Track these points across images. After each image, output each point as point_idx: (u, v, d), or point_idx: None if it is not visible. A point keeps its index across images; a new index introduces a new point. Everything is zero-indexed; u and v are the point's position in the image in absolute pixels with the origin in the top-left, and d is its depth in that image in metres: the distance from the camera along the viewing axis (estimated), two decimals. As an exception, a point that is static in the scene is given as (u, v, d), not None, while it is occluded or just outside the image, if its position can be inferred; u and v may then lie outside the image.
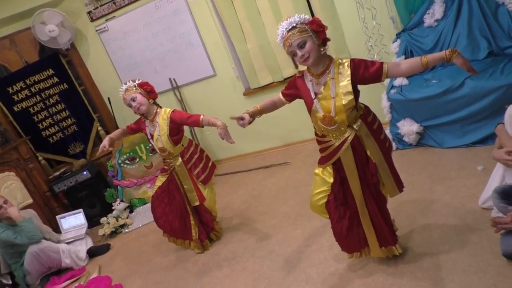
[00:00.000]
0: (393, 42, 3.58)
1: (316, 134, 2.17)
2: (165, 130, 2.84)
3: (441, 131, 3.20)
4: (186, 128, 4.70)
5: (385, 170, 2.10)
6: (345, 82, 1.92)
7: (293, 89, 2.11)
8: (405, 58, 3.47)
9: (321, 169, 2.17)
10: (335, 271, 2.39)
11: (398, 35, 3.58)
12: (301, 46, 1.87)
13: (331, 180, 2.13)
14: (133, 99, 2.78)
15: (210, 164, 3.13)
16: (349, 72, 1.92)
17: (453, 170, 2.88)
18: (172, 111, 2.87)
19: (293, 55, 1.92)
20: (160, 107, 2.93)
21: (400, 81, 3.32)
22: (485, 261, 2.02)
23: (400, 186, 2.18)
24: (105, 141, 2.95)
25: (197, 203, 3.04)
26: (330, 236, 2.69)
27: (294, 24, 1.89)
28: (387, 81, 3.52)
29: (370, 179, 2.09)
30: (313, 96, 1.99)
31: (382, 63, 1.92)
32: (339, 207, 2.17)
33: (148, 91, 2.87)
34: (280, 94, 2.17)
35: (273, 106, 2.25)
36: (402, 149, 3.40)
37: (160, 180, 3.10)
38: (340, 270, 2.37)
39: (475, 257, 2.07)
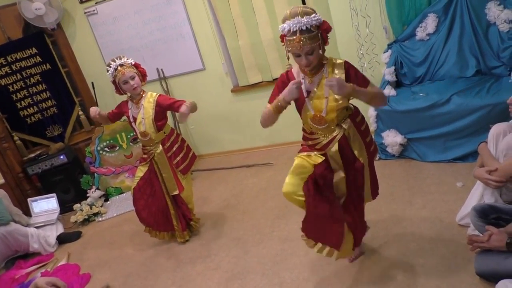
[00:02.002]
0: (384, 52, 3.59)
1: (303, 130, 2.15)
2: (150, 114, 2.82)
3: (424, 144, 3.22)
4: (169, 121, 4.64)
5: (367, 173, 2.10)
6: None
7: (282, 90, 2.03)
8: (395, 69, 3.49)
9: (304, 154, 2.10)
10: (309, 276, 2.37)
11: (389, 46, 3.60)
12: (310, 53, 1.83)
13: (318, 160, 2.03)
14: (132, 78, 2.75)
15: (190, 154, 3.10)
16: (343, 72, 1.91)
17: (433, 185, 2.91)
18: (159, 95, 2.86)
19: (295, 55, 1.86)
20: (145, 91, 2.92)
21: (388, 92, 3.34)
22: (458, 278, 2.03)
23: (375, 193, 2.21)
24: (97, 110, 2.91)
25: (176, 192, 2.99)
26: (307, 241, 2.69)
27: (309, 26, 1.78)
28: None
29: (354, 180, 2.08)
30: (305, 94, 1.96)
31: None
32: (322, 188, 2.03)
33: (143, 74, 2.88)
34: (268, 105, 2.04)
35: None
36: (385, 159, 3.42)
37: (141, 171, 3.02)
38: (315, 277, 2.35)
39: (449, 273, 2.08)
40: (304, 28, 1.77)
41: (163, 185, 2.99)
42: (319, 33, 1.81)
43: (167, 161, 2.94)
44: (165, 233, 3.14)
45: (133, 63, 2.82)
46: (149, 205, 3.05)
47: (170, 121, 4.34)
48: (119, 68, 2.75)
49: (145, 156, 3.02)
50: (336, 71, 1.92)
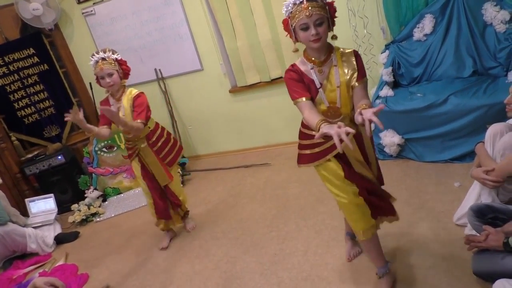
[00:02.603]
0: (381, 53, 3.61)
1: (307, 136, 1.99)
2: (129, 111, 2.76)
3: (421, 145, 3.23)
4: (167, 121, 4.65)
5: (374, 163, 2.06)
6: (351, 71, 1.80)
7: (301, 82, 1.84)
8: (392, 70, 3.51)
9: (322, 165, 1.97)
10: (307, 276, 2.37)
11: (387, 46, 3.61)
12: (318, 24, 1.70)
13: (341, 172, 1.92)
14: (110, 75, 2.68)
15: (177, 147, 3.09)
16: (354, 60, 1.81)
17: (431, 185, 2.92)
18: (137, 95, 2.78)
19: (302, 28, 1.72)
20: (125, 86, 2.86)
21: (385, 92, 3.35)
22: (455, 278, 2.04)
23: (380, 179, 2.15)
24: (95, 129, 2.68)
25: (168, 182, 3.01)
26: (304, 241, 2.71)
27: None
28: (373, 91, 3.55)
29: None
30: (318, 85, 1.83)
31: None
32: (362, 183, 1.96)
33: (126, 73, 2.80)
34: (304, 99, 1.79)
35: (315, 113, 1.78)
36: (382, 159, 3.43)
37: (137, 169, 2.99)
38: (313, 276, 2.36)
39: (446, 272, 2.10)
40: None
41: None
42: (327, 6, 1.73)
43: (154, 155, 2.93)
44: (171, 221, 3.17)
45: (118, 58, 2.74)
46: (160, 196, 3.05)
47: (168, 124, 4.35)
48: (99, 61, 2.67)
49: (130, 152, 2.99)
50: (346, 60, 1.81)
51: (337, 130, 1.45)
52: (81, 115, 2.48)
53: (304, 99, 1.79)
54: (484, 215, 2.04)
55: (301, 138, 2.04)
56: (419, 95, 3.18)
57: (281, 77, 4.15)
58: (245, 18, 4.03)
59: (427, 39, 3.41)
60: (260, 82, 4.29)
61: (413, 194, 2.86)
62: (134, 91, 2.80)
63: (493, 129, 2.23)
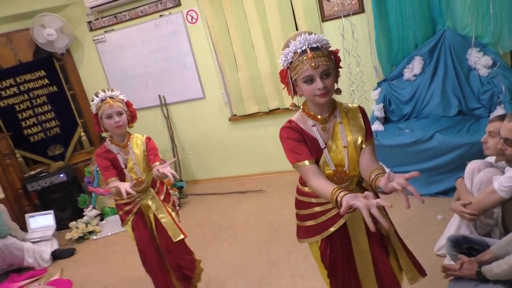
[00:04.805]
0: (374, 90, 3.82)
1: (308, 194, 1.67)
2: (140, 158, 2.36)
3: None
4: (168, 146, 4.82)
5: (398, 246, 1.72)
6: (358, 130, 1.57)
7: (302, 142, 1.56)
8: (383, 106, 3.71)
9: (315, 243, 1.72)
10: (293, 298, 2.48)
11: (379, 84, 3.83)
12: (325, 76, 1.46)
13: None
14: (120, 113, 2.26)
15: (173, 199, 2.64)
16: (360, 117, 1.59)
17: (415, 216, 3.06)
18: (147, 138, 2.43)
19: (306, 81, 1.47)
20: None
21: (376, 127, 3.54)
22: (432, 303, 2.15)
23: (421, 268, 1.78)
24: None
25: (181, 237, 2.45)
26: (293, 264, 2.82)
27: (320, 45, 1.47)
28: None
29: (378, 253, 1.71)
30: (322, 145, 1.55)
31: None
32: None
33: (133, 116, 2.38)
34: (307, 163, 1.52)
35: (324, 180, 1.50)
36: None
37: (132, 236, 2.47)
38: (298, 298, 2.47)
39: (424, 298, 2.20)
40: (314, 46, 1.46)
41: (156, 238, 2.49)
42: (332, 56, 1.51)
43: (163, 204, 2.46)
44: None
45: (125, 100, 2.35)
46: (163, 273, 2.52)
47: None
48: (107, 99, 2.26)
49: (127, 208, 2.42)
50: (351, 117, 1.58)
51: (366, 203, 1.20)
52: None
53: (307, 162, 1.51)
54: (460, 245, 2.16)
55: (299, 208, 1.74)
56: (407, 131, 3.37)
57: (278, 108, 4.36)
58: (247, 52, 4.27)
59: (416, 79, 3.63)
60: (259, 112, 4.49)
61: (398, 225, 2.93)
62: (140, 135, 2.42)
63: (472, 165, 2.41)
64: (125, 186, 2.04)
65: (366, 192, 1.26)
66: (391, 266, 1.72)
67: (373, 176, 1.40)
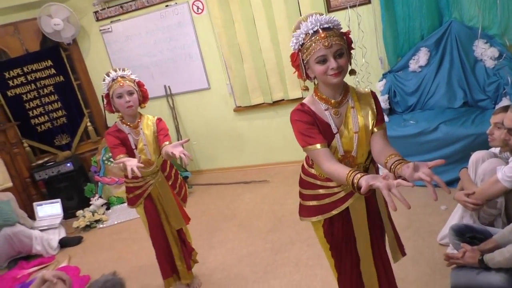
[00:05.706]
0: (379, 81, 3.83)
1: (314, 176, 1.67)
2: (151, 139, 2.37)
3: (413, 169, 3.40)
4: (173, 136, 4.85)
5: (388, 225, 1.75)
6: (370, 115, 1.55)
7: (314, 125, 1.54)
8: (388, 97, 3.71)
9: (319, 217, 1.69)
10: (297, 285, 2.52)
11: (384, 75, 3.83)
12: (339, 55, 1.43)
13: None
14: (131, 93, 2.27)
15: (182, 180, 2.67)
16: (373, 102, 1.57)
17: (419, 207, 3.08)
18: (158, 119, 2.45)
19: (318, 61, 1.44)
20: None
21: (381, 118, 3.54)
22: (434, 291, 2.19)
23: (402, 249, 1.83)
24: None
25: (184, 225, 2.56)
26: (297, 253, 2.86)
27: (331, 25, 1.44)
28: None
29: (376, 238, 1.74)
30: (334, 130, 1.53)
31: None
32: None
33: (145, 96, 2.41)
34: (319, 146, 1.49)
35: (338, 163, 1.50)
36: (376, 181, 3.59)
37: (144, 215, 2.51)
38: (302, 285, 2.51)
39: (427, 286, 2.24)
40: (326, 26, 1.43)
41: (166, 221, 2.54)
42: (344, 36, 1.48)
43: (170, 190, 2.50)
44: (171, 278, 2.65)
45: (136, 80, 2.37)
46: (169, 251, 2.59)
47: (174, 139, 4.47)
48: (119, 78, 2.27)
49: (138, 192, 2.45)
50: (363, 101, 1.56)
51: (387, 183, 1.19)
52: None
53: (319, 146, 1.49)
54: (463, 234, 2.19)
55: (303, 187, 1.75)
56: (412, 122, 3.38)
57: (282, 100, 4.37)
58: (251, 42, 4.27)
59: (421, 71, 3.63)
60: (263, 103, 4.51)
61: (402, 215, 3.01)
62: (151, 117, 2.44)
63: (475, 156, 2.43)
64: (131, 164, 2.01)
65: (385, 172, 1.26)
66: (385, 249, 1.81)
67: (392, 162, 1.36)
